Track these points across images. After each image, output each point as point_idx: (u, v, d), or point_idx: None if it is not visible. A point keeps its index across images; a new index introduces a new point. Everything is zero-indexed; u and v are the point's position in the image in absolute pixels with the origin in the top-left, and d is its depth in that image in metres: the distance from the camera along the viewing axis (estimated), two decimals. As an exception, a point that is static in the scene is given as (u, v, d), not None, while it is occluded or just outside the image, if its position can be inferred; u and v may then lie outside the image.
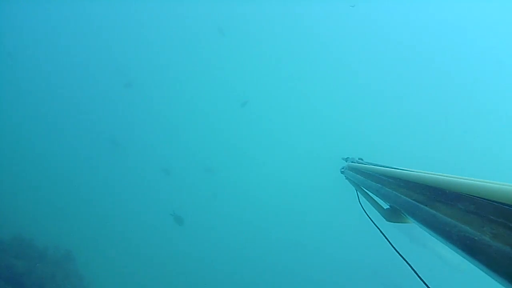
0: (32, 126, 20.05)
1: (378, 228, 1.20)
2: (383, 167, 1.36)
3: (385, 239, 1.19)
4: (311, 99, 25.17)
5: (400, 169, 1.15)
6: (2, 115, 19.10)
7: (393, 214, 1.11)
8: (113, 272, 12.92)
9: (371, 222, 1.33)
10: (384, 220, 1.16)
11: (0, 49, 20.82)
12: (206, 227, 16.89)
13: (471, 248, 0.54)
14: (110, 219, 16.14)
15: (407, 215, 0.93)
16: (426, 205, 0.78)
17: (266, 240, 17.21)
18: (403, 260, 1.01)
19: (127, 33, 23.33)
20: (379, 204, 1.28)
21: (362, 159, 2.23)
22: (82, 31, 22.59)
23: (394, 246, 1.11)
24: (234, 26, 23.80)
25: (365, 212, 1.38)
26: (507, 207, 0.53)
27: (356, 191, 1.64)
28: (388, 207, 1.16)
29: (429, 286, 0.80)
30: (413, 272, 0.92)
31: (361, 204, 1.49)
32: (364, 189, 1.50)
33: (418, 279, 0.86)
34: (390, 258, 11.43)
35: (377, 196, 1.27)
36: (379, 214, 1.23)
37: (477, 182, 0.66)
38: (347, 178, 1.96)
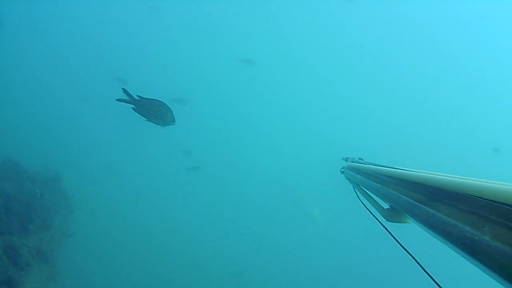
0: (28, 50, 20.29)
1: (383, 226, 1.21)
2: (383, 167, 1.37)
3: (387, 239, 1.20)
4: (310, 99, 25.17)
5: (400, 169, 1.16)
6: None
7: (393, 214, 1.12)
8: (100, 194, 14.09)
9: (373, 221, 1.33)
10: (384, 220, 1.16)
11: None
12: (201, 230, 16.82)
13: (471, 248, 0.55)
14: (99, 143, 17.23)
15: (407, 215, 0.93)
16: (426, 205, 0.79)
17: (263, 241, 17.13)
18: (410, 259, 1.01)
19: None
20: (379, 204, 1.28)
21: (362, 159, 2.24)
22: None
23: (401, 243, 1.11)
24: (231, 25, 23.82)
25: (369, 210, 1.38)
26: (507, 207, 0.53)
27: (356, 191, 1.65)
28: (388, 207, 1.16)
29: (439, 284, 0.79)
30: (422, 271, 0.92)
31: (363, 203, 1.49)
32: (364, 189, 1.51)
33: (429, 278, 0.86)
34: (391, 259, 11.39)
35: (377, 196, 1.28)
36: (379, 214, 1.23)
37: (477, 182, 0.66)
38: (347, 178, 1.96)
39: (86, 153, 16.72)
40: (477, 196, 0.63)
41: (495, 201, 0.57)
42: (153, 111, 3.53)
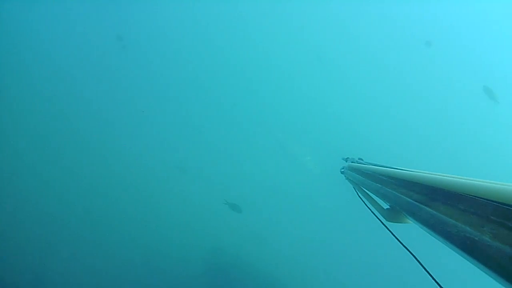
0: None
1: (385, 225, 1.20)
2: (383, 167, 1.36)
3: (388, 238, 1.19)
4: (310, 98, 25.13)
5: (400, 169, 1.15)
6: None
7: (393, 214, 1.12)
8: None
9: (373, 221, 1.33)
10: (384, 220, 1.16)
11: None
12: (202, 228, 16.69)
13: (471, 248, 0.54)
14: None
15: (407, 215, 0.93)
16: (426, 205, 0.78)
17: (263, 241, 17.04)
18: (412, 258, 1.01)
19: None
20: (379, 204, 1.28)
21: (362, 159, 2.23)
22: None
23: (402, 242, 1.11)
24: (233, 24, 23.77)
25: (371, 210, 1.38)
26: (507, 207, 0.53)
27: (356, 190, 1.64)
28: (388, 207, 1.16)
29: (440, 284, 0.79)
30: (424, 271, 0.92)
31: (364, 203, 1.48)
32: (364, 189, 1.50)
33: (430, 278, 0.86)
34: (392, 259, 11.36)
35: (377, 196, 1.27)
36: (379, 214, 1.23)
37: (477, 182, 0.66)
38: (347, 179, 1.96)
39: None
40: (477, 196, 0.62)
41: (495, 201, 0.57)
42: None
